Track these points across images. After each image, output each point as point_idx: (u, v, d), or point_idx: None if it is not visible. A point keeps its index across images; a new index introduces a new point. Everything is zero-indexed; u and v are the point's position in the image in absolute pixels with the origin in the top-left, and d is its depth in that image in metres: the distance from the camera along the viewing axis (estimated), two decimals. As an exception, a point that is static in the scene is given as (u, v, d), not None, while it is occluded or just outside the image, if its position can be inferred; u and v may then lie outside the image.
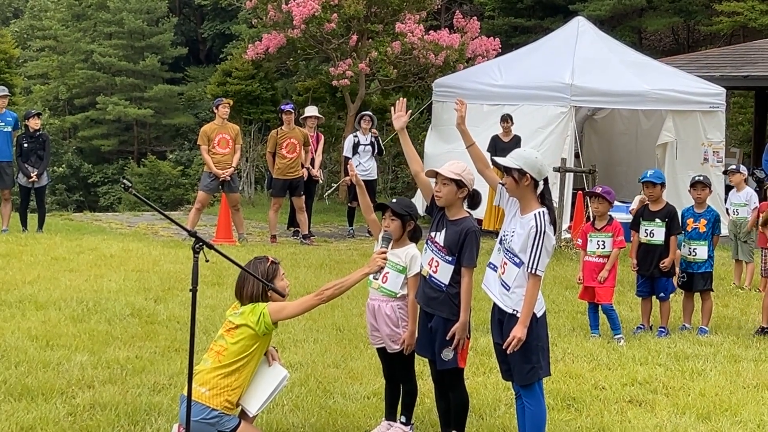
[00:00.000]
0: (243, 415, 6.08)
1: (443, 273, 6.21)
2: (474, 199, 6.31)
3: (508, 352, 5.86)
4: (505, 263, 5.94)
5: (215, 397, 5.86)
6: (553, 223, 5.91)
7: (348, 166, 8.34)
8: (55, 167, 38.42)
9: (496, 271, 6.05)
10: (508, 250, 5.93)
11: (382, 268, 6.08)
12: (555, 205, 6.19)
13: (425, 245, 6.35)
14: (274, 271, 6.11)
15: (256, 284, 6.01)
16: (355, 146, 17.21)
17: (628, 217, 11.74)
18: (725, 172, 14.10)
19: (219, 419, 5.86)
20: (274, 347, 6.41)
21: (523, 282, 5.86)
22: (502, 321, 6.01)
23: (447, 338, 6.18)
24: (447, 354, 6.20)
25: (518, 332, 5.80)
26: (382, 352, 6.65)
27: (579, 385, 7.92)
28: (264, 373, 6.18)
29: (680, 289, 10.59)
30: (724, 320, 10.93)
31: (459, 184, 6.20)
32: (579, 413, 7.23)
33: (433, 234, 6.32)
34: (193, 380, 5.84)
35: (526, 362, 5.93)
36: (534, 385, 6.01)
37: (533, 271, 5.79)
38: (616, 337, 9.71)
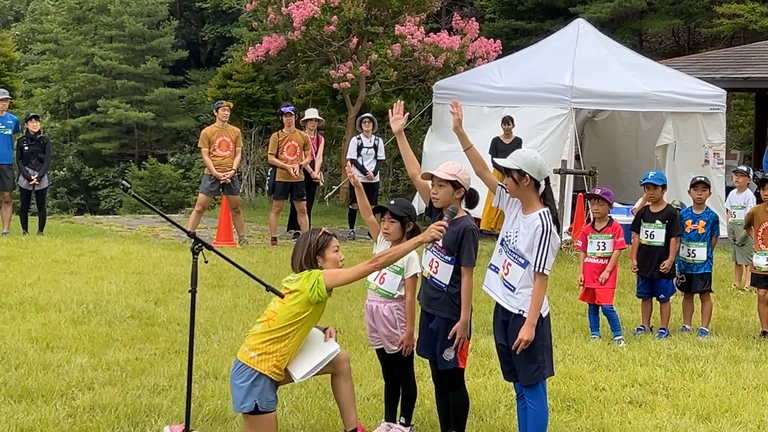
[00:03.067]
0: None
1: (443, 273, 6.22)
2: (471, 198, 6.32)
3: (517, 353, 5.87)
4: (509, 264, 5.94)
5: (263, 362, 5.94)
6: (556, 222, 5.91)
7: (346, 167, 8.35)
8: (55, 170, 38.44)
9: (497, 272, 6.05)
10: (512, 251, 5.92)
11: (436, 240, 6.01)
12: (556, 206, 6.18)
13: (425, 246, 6.35)
14: (326, 242, 6.21)
15: (306, 252, 6.17)
16: (359, 148, 17.20)
17: (629, 219, 11.74)
18: (735, 171, 14.08)
19: (260, 390, 5.92)
20: (335, 329, 6.44)
21: (529, 282, 5.86)
22: (506, 322, 6.01)
23: (448, 338, 6.18)
24: (448, 354, 6.20)
25: (526, 334, 5.81)
26: (381, 353, 6.67)
27: (579, 386, 7.92)
28: (317, 344, 6.24)
29: (680, 291, 10.59)
30: (725, 321, 10.93)
31: (455, 184, 6.21)
32: (579, 414, 7.23)
33: (432, 234, 6.31)
34: (242, 346, 6.05)
35: (531, 362, 5.93)
36: (538, 385, 6.01)
37: (540, 271, 5.79)
38: (617, 338, 9.71)
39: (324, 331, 6.35)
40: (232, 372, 6.07)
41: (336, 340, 6.32)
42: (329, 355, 6.20)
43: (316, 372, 6.22)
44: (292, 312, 5.99)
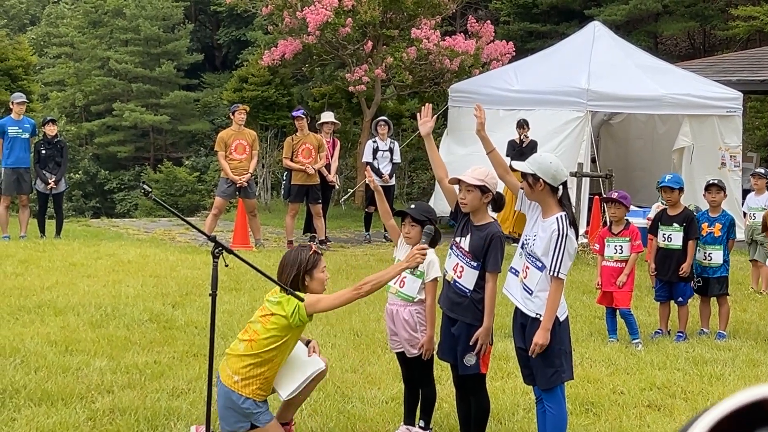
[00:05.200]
0: (284, 410, 6.19)
1: (468, 278, 6.20)
2: (498, 202, 6.31)
3: (533, 357, 5.87)
4: (528, 267, 5.95)
5: (247, 386, 5.95)
6: (574, 226, 5.91)
7: (365, 171, 8.35)
8: (71, 174, 38.58)
9: (517, 275, 6.06)
10: (530, 254, 5.93)
11: (420, 263, 5.99)
12: (573, 210, 6.17)
13: (450, 250, 6.33)
14: (315, 262, 6.12)
15: (296, 272, 6.05)
16: (374, 151, 17.22)
17: (645, 222, 11.71)
18: (753, 174, 14.05)
19: (252, 411, 5.94)
20: (315, 341, 6.44)
21: (546, 286, 5.86)
22: (524, 325, 6.01)
23: (470, 343, 6.18)
24: (469, 359, 6.20)
25: (540, 338, 5.81)
26: (401, 356, 6.67)
27: (597, 389, 7.91)
28: (302, 360, 6.25)
29: (697, 294, 10.57)
30: (743, 325, 10.89)
31: (483, 189, 6.17)
32: (598, 418, 7.22)
33: (458, 239, 6.29)
34: (225, 363, 6.05)
35: (549, 366, 5.93)
36: (556, 388, 6.01)
37: (555, 274, 5.78)
38: (634, 341, 9.69)
39: (307, 345, 6.33)
40: (218, 394, 6.05)
41: (319, 354, 6.30)
42: (314, 372, 6.22)
43: (302, 389, 6.26)
44: (272, 335, 5.93)
